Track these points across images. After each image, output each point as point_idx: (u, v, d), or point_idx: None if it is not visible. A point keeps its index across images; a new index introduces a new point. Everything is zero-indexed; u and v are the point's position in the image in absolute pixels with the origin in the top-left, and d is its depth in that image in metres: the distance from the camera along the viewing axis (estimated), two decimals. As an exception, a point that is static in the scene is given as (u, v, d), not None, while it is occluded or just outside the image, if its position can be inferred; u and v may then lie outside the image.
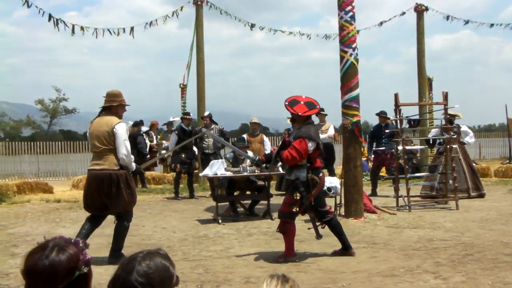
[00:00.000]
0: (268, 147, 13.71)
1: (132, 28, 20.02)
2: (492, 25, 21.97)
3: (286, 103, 7.95)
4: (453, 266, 7.17)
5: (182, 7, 20.29)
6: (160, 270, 2.33)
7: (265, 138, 14.17)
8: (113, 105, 7.90)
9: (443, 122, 12.94)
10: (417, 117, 14.67)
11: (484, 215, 11.15)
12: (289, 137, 8.06)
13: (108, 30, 19.63)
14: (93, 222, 8.07)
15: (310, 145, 7.63)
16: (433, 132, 14.28)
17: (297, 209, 7.83)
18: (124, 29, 20.02)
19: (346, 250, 8.03)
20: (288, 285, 2.26)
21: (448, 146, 12.64)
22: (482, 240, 8.77)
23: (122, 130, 7.78)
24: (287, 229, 7.87)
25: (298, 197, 7.73)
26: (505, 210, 11.81)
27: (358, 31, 11.53)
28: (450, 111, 13.11)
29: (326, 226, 8.04)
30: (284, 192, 14.83)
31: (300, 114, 7.82)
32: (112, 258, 7.80)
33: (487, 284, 6.30)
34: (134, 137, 17.23)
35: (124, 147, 7.75)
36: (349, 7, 11.05)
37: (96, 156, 7.83)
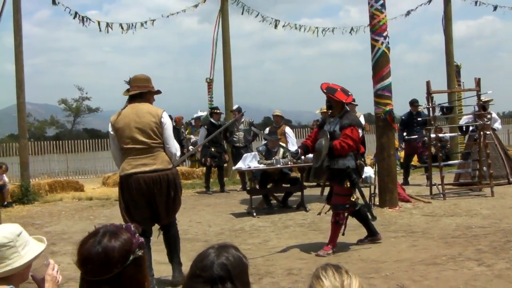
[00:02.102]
0: (291, 139, 13.58)
1: (153, 21, 20.12)
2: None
3: (325, 90, 7.80)
4: (496, 253, 7.11)
5: (205, 0, 20.28)
6: (237, 261, 2.37)
7: (288, 130, 13.98)
8: (144, 92, 6.48)
9: (476, 109, 12.80)
10: (447, 104, 14.55)
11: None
12: (327, 127, 7.83)
13: (132, 24, 19.77)
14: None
15: (360, 132, 7.71)
16: (465, 119, 14.15)
17: (355, 197, 7.79)
18: (145, 22, 20.13)
19: (374, 235, 8.08)
20: (343, 271, 2.26)
21: (481, 133, 12.51)
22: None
23: (169, 120, 6.56)
24: (342, 220, 7.81)
25: (348, 185, 7.67)
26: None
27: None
28: (483, 97, 13.00)
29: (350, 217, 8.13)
30: (315, 183, 14.89)
31: (344, 101, 7.79)
32: (179, 273, 6.67)
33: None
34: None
35: (174, 141, 6.62)
36: (380, -5, 10.98)
37: (138, 154, 6.23)
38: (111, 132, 6.37)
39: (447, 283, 6.03)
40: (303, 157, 8.50)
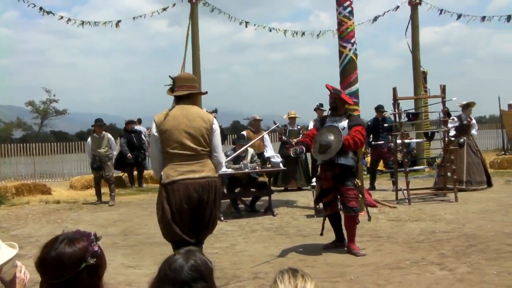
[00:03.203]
0: (268, 143, 13.63)
1: (118, 22, 20.15)
2: (483, 18, 22.00)
3: (332, 90, 8.07)
4: (458, 257, 7.25)
5: (174, 4, 20.32)
6: (205, 264, 2.45)
7: (265, 135, 14.06)
8: (193, 93, 6.04)
9: (442, 115, 13.01)
10: (413, 110, 14.79)
11: (483, 207, 11.24)
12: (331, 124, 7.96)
13: (95, 23, 19.80)
14: None
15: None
16: (449, 124, 14.33)
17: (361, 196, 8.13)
18: (111, 22, 20.16)
19: (341, 241, 8.20)
20: (299, 275, 2.33)
21: (446, 139, 12.74)
22: (484, 231, 8.85)
23: (218, 127, 6.21)
24: (358, 219, 8.02)
25: (359, 184, 7.92)
26: (504, 201, 11.90)
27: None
28: (464, 101, 13.46)
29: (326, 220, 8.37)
30: (283, 188, 15.00)
31: (350, 103, 8.41)
32: None
33: (493, 274, 6.39)
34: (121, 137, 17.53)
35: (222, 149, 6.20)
36: (348, 2, 11.12)
37: (185, 160, 5.70)
38: (155, 134, 5.80)
39: (410, 287, 6.15)
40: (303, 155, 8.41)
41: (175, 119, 5.71)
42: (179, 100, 5.90)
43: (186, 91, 5.88)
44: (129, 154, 17.27)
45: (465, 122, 14.04)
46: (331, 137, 7.65)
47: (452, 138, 13.73)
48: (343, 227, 8.16)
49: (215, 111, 15.38)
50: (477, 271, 6.58)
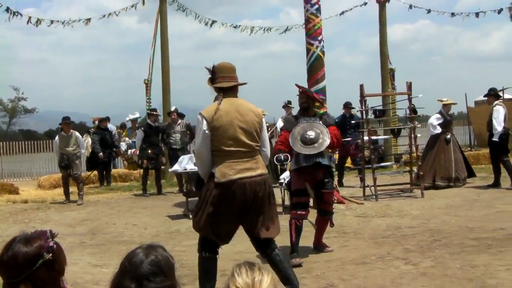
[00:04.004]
0: None
1: (88, 20, 20.07)
2: (453, 14, 22.26)
3: (305, 89, 8.07)
4: (422, 252, 7.38)
5: (143, 1, 20.24)
6: (166, 259, 2.49)
7: None
8: (237, 85, 5.66)
9: (408, 112, 13.14)
10: (381, 107, 14.94)
11: (449, 202, 11.40)
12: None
13: (63, 22, 19.67)
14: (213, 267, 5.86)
15: None
16: (434, 120, 14.43)
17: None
18: (79, 20, 20.07)
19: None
20: (256, 268, 2.37)
21: (413, 135, 12.90)
22: (448, 226, 9.00)
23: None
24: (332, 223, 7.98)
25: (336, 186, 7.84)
26: (469, 196, 12.07)
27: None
28: (445, 99, 13.67)
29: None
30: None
31: (321, 102, 8.37)
32: None
33: (455, 268, 6.52)
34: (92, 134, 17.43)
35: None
36: (315, 0, 11.19)
37: (241, 157, 5.37)
38: (206, 131, 5.34)
39: (375, 282, 6.24)
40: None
41: (228, 114, 5.35)
42: (224, 92, 5.50)
43: (231, 82, 5.57)
44: (101, 153, 17.17)
45: (448, 117, 14.21)
46: (314, 135, 7.41)
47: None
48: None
49: (175, 111, 15.40)
50: (441, 265, 6.71)
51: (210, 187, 5.39)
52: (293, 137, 7.42)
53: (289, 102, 15.38)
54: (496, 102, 13.52)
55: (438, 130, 14.03)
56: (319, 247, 7.90)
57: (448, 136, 13.96)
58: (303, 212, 7.52)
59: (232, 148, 5.32)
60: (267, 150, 5.77)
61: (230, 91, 5.52)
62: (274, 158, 7.30)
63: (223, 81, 5.50)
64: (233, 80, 5.56)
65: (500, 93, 15.17)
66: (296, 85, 8.03)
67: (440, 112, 14.17)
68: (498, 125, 13.07)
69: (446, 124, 14.10)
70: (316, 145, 7.34)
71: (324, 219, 7.82)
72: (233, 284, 2.32)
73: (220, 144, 5.33)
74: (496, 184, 13.32)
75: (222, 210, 5.34)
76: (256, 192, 5.37)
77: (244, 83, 5.75)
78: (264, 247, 5.68)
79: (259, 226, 5.53)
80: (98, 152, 17.08)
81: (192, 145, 15.35)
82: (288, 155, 7.21)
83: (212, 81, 5.59)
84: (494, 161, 13.62)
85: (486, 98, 14.37)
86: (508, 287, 5.79)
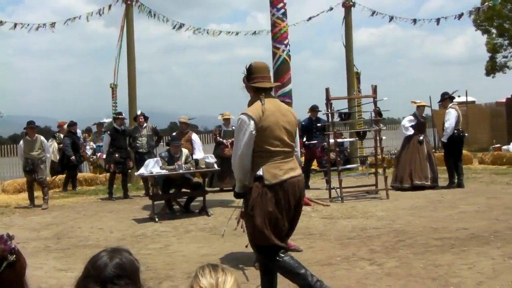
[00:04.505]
0: (197, 146, 13.62)
1: (53, 24, 19.91)
2: (415, 20, 22.52)
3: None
4: (387, 252, 7.46)
5: (110, 6, 20.14)
6: (130, 262, 2.49)
7: (194, 137, 13.97)
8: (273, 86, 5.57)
9: (373, 114, 13.29)
10: (347, 110, 15.07)
11: (413, 203, 11.54)
12: None
13: (28, 25, 19.53)
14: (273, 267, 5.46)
15: None
16: (406, 122, 14.60)
17: None
18: (44, 24, 19.89)
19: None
20: (220, 269, 2.41)
21: (378, 138, 13.04)
22: (413, 226, 9.12)
23: None
24: None
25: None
26: (433, 197, 12.24)
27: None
28: (418, 101, 13.89)
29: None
30: (218, 188, 15.09)
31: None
32: None
33: (419, 267, 6.60)
34: (62, 138, 17.24)
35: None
36: (281, 4, 11.25)
37: (285, 158, 5.32)
38: (253, 132, 5.20)
39: (341, 282, 6.29)
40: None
41: (273, 114, 5.28)
42: (263, 92, 5.42)
43: (269, 82, 5.56)
44: (73, 157, 17.03)
45: (421, 119, 14.39)
46: None
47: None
48: None
49: (141, 114, 15.35)
50: (405, 265, 6.79)
51: (261, 191, 5.18)
52: None
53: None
54: (450, 105, 13.92)
55: (410, 131, 14.22)
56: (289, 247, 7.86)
57: (421, 138, 14.15)
58: None
59: (278, 149, 5.26)
60: (299, 151, 5.80)
61: (268, 91, 5.51)
62: None
63: (263, 81, 5.46)
64: (269, 80, 5.55)
65: (455, 95, 15.48)
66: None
67: (413, 114, 14.37)
68: (449, 127, 13.50)
69: (419, 126, 14.29)
70: None
71: None
72: (197, 285, 2.35)
73: (266, 145, 5.23)
74: (459, 184, 13.64)
75: (280, 212, 5.20)
76: (300, 191, 5.37)
77: (278, 84, 5.67)
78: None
79: (295, 225, 5.55)
80: (71, 155, 16.92)
81: (159, 149, 15.32)
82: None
83: (248, 80, 5.53)
84: (446, 162, 14.02)
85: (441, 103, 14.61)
86: (470, 285, 5.88)
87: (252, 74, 5.48)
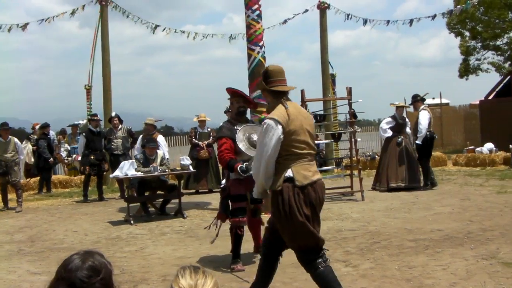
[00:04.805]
0: (163, 148, 13.51)
1: (25, 24, 19.76)
2: (388, 22, 22.64)
3: (242, 93, 7.67)
4: (362, 254, 7.50)
5: (83, 6, 20.01)
6: (103, 265, 2.47)
7: (160, 138, 13.85)
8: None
9: (348, 117, 13.35)
10: (322, 112, 15.14)
11: (388, 205, 11.62)
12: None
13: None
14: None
15: None
16: (384, 124, 14.69)
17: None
18: (17, 25, 19.72)
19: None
20: (200, 271, 2.42)
21: (353, 140, 13.12)
22: (388, 228, 9.18)
23: None
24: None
25: None
26: (408, 199, 12.35)
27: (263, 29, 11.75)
28: (396, 102, 14.03)
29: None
30: (194, 191, 15.07)
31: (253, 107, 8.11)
32: None
33: (394, 269, 6.66)
34: (37, 140, 17.03)
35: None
36: (256, 6, 11.29)
37: (310, 160, 5.30)
38: (281, 136, 5.13)
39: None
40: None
41: (297, 118, 5.23)
42: (281, 96, 5.37)
43: (286, 85, 5.46)
44: (52, 159, 16.90)
45: (400, 121, 14.48)
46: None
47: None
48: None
49: (116, 116, 15.27)
50: (380, 266, 6.83)
51: (292, 192, 5.10)
52: (242, 143, 7.23)
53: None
54: (422, 106, 14.08)
55: (389, 133, 14.33)
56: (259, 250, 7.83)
57: (399, 140, 14.25)
58: (244, 219, 7.41)
59: (304, 151, 5.22)
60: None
61: (287, 95, 5.45)
62: (239, 170, 7.01)
63: (282, 85, 5.39)
64: (286, 83, 5.46)
65: (427, 97, 15.64)
66: (229, 88, 7.73)
67: (392, 116, 14.49)
68: (423, 129, 13.68)
69: (398, 128, 14.40)
70: None
71: (257, 220, 7.72)
72: (176, 284, 2.36)
73: (293, 148, 5.18)
74: (433, 183, 13.82)
75: (311, 214, 5.16)
76: (324, 194, 5.37)
77: (295, 87, 5.65)
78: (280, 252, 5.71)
79: (318, 228, 5.42)
80: (49, 157, 16.79)
81: (134, 151, 15.23)
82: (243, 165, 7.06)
83: (267, 84, 5.43)
84: (420, 163, 14.17)
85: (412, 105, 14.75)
86: (444, 286, 5.94)
87: (270, 78, 5.40)
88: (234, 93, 7.62)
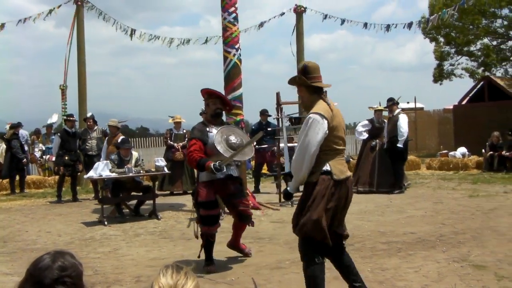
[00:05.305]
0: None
1: (2, 25, 19.61)
2: (365, 24, 22.75)
3: (220, 95, 7.58)
4: (335, 256, 7.54)
5: (59, 6, 19.90)
6: (73, 266, 2.47)
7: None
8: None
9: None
10: (298, 115, 15.20)
11: (362, 208, 11.69)
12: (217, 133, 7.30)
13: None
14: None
15: None
16: (360, 127, 14.79)
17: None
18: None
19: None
20: (183, 272, 2.40)
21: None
22: (361, 231, 9.25)
23: None
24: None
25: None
26: (381, 202, 12.43)
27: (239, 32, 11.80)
28: (375, 106, 14.19)
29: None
30: (168, 192, 15.04)
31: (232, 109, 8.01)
32: None
33: (367, 271, 6.69)
34: (9, 140, 16.86)
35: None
36: (232, 8, 11.32)
37: (343, 156, 5.42)
38: (326, 131, 5.14)
39: (289, 286, 6.34)
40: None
41: (337, 114, 5.31)
42: (319, 92, 5.39)
43: (322, 82, 5.44)
44: (25, 160, 16.78)
45: (377, 124, 14.55)
46: (238, 136, 7.32)
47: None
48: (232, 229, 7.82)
49: (91, 117, 15.19)
50: (353, 268, 6.87)
51: (327, 184, 5.15)
52: (220, 145, 7.13)
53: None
54: (398, 110, 14.17)
55: (364, 136, 14.44)
56: (235, 248, 7.76)
57: (374, 143, 14.35)
58: (215, 229, 7.31)
59: (341, 147, 5.33)
60: None
61: (323, 92, 5.51)
62: (213, 167, 6.89)
63: (319, 81, 5.37)
64: (322, 80, 5.43)
65: (401, 101, 15.79)
66: (205, 89, 7.57)
67: (370, 119, 14.59)
68: (405, 132, 13.74)
69: (376, 131, 14.49)
70: (246, 150, 7.25)
71: (243, 225, 7.66)
72: (157, 283, 2.36)
73: (333, 144, 5.23)
74: (399, 187, 13.95)
75: (338, 207, 5.28)
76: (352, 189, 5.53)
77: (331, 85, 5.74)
78: (340, 243, 5.69)
79: (343, 223, 5.64)
80: (22, 158, 16.67)
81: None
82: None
83: (305, 77, 5.36)
84: (394, 167, 14.21)
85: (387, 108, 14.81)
86: (415, 288, 6.02)
87: (309, 74, 5.34)
88: (211, 94, 7.48)
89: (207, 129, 7.32)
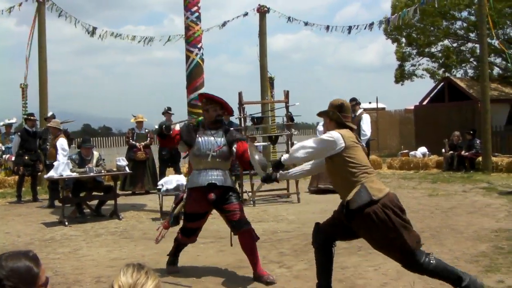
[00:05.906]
0: (60, 151, 13.01)
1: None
2: (328, 27, 22.87)
3: (218, 99, 7.02)
4: (296, 255, 7.61)
5: (20, 4, 19.63)
6: (27, 268, 2.44)
7: (60, 142, 13.29)
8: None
9: (285, 119, 13.48)
10: (260, 114, 15.25)
11: (323, 207, 11.74)
12: (209, 138, 6.95)
13: None
14: None
15: None
16: (320, 126, 14.84)
17: None
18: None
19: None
20: (143, 271, 2.40)
21: (290, 142, 13.25)
22: (322, 230, 9.30)
23: None
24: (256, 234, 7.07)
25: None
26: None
27: (202, 31, 11.78)
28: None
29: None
30: (130, 192, 14.96)
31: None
32: None
33: (327, 270, 6.74)
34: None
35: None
36: (195, 8, 11.29)
37: (373, 176, 5.73)
38: (337, 150, 5.51)
39: (250, 285, 6.38)
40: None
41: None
42: (343, 127, 5.61)
43: (350, 122, 5.77)
44: None
45: None
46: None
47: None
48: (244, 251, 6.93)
49: (52, 116, 15.04)
50: (314, 267, 6.83)
51: (378, 212, 5.46)
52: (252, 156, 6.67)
53: (169, 109, 15.32)
54: (361, 110, 14.30)
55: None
56: (261, 277, 6.61)
57: None
58: (191, 241, 7.07)
59: (367, 165, 5.76)
60: None
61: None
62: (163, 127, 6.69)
63: (350, 122, 5.72)
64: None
65: (361, 101, 15.97)
66: (204, 94, 7.32)
67: None
68: (368, 131, 13.83)
69: None
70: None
71: (244, 234, 6.79)
72: (117, 281, 2.35)
73: (358, 165, 5.63)
74: None
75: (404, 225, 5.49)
76: None
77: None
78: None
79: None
80: None
81: (70, 151, 14.98)
82: (266, 174, 6.25)
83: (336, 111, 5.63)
84: None
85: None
86: (375, 286, 6.11)
87: (344, 112, 5.63)
88: (211, 100, 7.03)
89: (198, 134, 6.97)
